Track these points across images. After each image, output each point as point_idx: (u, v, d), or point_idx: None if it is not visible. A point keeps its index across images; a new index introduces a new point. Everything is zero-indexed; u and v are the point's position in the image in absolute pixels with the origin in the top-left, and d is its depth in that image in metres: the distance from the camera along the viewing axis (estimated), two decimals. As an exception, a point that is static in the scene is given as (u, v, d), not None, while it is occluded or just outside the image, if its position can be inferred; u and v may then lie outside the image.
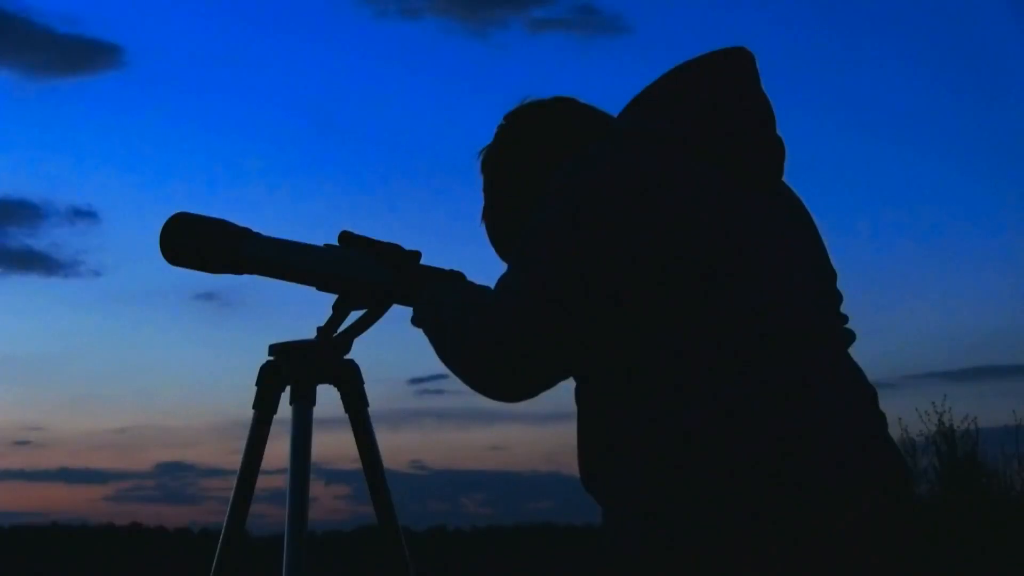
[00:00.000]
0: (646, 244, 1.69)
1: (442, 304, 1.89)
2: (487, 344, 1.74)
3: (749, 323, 1.69)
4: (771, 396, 1.66)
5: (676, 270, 1.69)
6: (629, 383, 1.71)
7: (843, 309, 1.88)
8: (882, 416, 1.81)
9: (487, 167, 2.05)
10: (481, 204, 2.07)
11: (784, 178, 1.91)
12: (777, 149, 1.87)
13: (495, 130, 2.04)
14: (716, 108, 1.82)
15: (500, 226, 2.04)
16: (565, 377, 1.80)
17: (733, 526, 1.63)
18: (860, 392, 1.78)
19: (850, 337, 1.85)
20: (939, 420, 9.51)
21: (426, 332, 1.92)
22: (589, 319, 1.71)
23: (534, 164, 1.96)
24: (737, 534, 1.63)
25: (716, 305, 1.69)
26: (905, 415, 9.76)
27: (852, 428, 1.71)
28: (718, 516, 1.63)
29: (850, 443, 1.70)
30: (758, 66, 1.88)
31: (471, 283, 2.04)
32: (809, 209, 1.92)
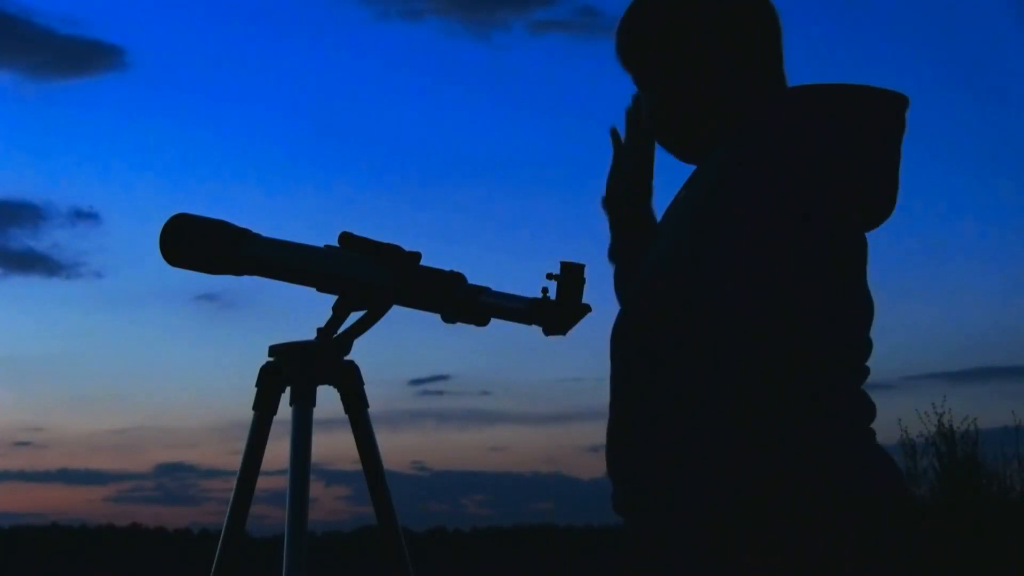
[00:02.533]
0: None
1: None
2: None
3: (834, 340, 1.77)
4: (820, 417, 1.74)
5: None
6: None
7: None
8: (873, 432, 1.88)
9: (664, 34, 1.93)
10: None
11: None
12: (891, 208, 1.91)
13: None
14: (883, 146, 1.85)
15: (685, 106, 1.94)
16: None
17: (756, 523, 1.68)
18: (871, 416, 1.86)
19: (868, 374, 1.90)
20: (939, 421, 9.52)
21: None
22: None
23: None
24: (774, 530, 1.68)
25: (836, 301, 1.76)
26: (905, 416, 9.77)
27: (869, 445, 1.82)
28: (742, 513, 1.69)
29: (867, 458, 1.79)
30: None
31: (470, 287, 2.03)
32: None
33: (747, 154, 1.76)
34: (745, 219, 1.71)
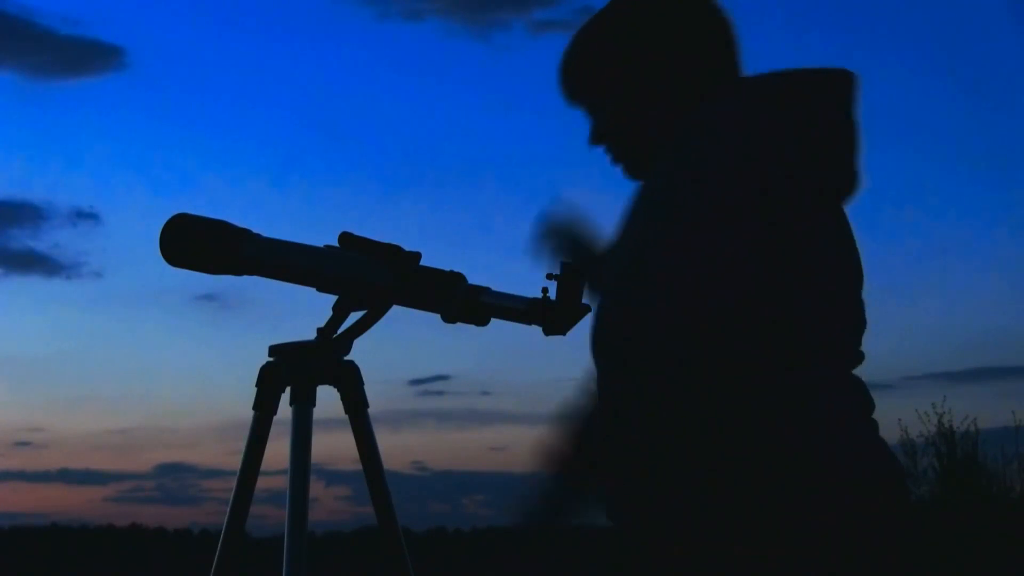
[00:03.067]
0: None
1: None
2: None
3: (806, 328, 1.75)
4: (797, 406, 1.72)
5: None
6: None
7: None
8: (875, 423, 1.85)
9: (606, 66, 1.95)
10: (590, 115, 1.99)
11: None
12: (857, 181, 1.89)
13: (601, 19, 1.97)
14: (817, 128, 1.83)
15: (633, 128, 1.95)
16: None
17: (747, 520, 1.67)
18: (865, 404, 1.83)
19: (862, 359, 1.87)
20: (939, 421, 9.51)
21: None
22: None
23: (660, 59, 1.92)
24: (750, 529, 1.67)
25: (786, 304, 1.74)
26: (905, 416, 9.76)
27: (860, 434, 1.78)
28: (734, 511, 1.68)
29: (861, 448, 1.76)
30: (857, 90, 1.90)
31: (470, 287, 2.03)
32: None
33: (675, 158, 1.78)
34: (683, 222, 1.71)
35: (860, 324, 1.86)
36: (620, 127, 1.95)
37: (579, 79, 1.98)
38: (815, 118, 1.82)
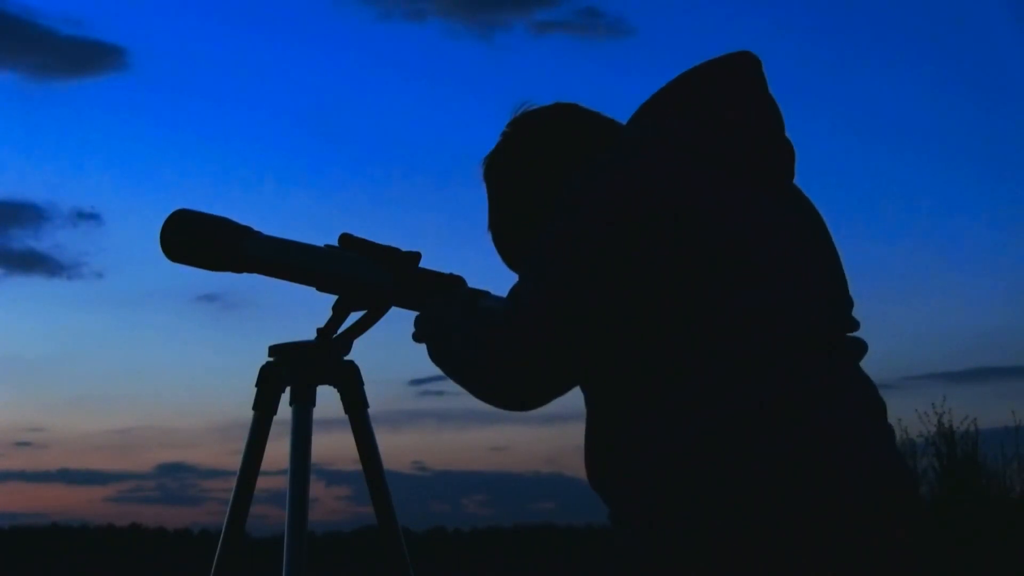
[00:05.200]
0: (661, 251, 1.69)
1: (447, 317, 1.88)
2: (503, 354, 1.74)
3: (762, 329, 1.69)
4: (780, 404, 1.66)
5: (690, 276, 1.69)
6: (641, 388, 1.71)
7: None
8: (890, 430, 1.81)
9: (491, 176, 2.01)
10: (486, 213, 2.03)
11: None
12: (787, 152, 1.88)
13: (498, 138, 2.02)
14: (726, 112, 1.82)
15: (507, 235, 2.00)
16: (577, 384, 1.80)
17: (738, 531, 1.63)
18: (868, 404, 1.77)
19: (862, 348, 1.83)
20: (939, 421, 9.52)
21: (431, 344, 1.91)
22: (605, 327, 1.71)
23: (540, 172, 1.94)
24: (742, 540, 1.63)
25: (729, 311, 1.69)
26: (905, 416, 9.77)
27: (860, 440, 1.70)
28: (724, 521, 1.63)
29: (857, 456, 1.69)
30: (764, 69, 1.89)
31: (469, 291, 2.03)
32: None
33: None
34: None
35: (832, 305, 1.80)
36: (507, 223, 1.99)
37: (491, 172, 2.02)
38: (710, 109, 1.81)
